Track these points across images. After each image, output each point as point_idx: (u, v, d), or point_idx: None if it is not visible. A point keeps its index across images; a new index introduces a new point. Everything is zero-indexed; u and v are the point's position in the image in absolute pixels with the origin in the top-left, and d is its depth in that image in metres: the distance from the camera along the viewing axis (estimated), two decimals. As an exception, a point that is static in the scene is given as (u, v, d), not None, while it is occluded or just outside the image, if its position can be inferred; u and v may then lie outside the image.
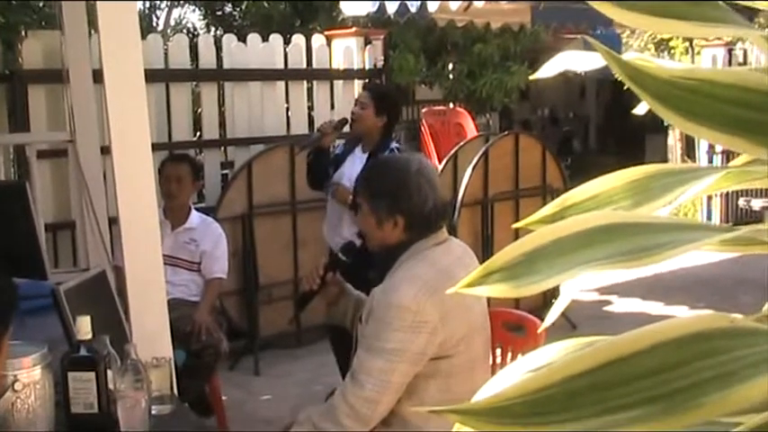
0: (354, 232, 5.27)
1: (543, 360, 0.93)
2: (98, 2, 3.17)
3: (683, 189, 0.95)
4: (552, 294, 7.05)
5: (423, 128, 12.94)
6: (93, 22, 4.50)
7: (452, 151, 7.75)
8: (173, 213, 5.60)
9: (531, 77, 1.75)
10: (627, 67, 0.89)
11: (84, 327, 2.75)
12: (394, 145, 5.58)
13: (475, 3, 6.77)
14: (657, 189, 0.98)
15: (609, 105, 19.94)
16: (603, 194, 1.02)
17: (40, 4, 10.04)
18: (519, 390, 0.79)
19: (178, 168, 5.62)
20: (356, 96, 5.76)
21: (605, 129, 20.17)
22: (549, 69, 1.25)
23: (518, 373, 0.89)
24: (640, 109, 1.09)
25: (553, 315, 1.08)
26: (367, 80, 7.90)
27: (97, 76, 3.95)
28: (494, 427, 0.78)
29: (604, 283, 7.96)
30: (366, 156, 5.44)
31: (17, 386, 2.62)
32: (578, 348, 0.89)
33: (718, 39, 11.63)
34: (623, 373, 0.78)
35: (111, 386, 2.85)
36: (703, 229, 0.92)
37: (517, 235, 7.28)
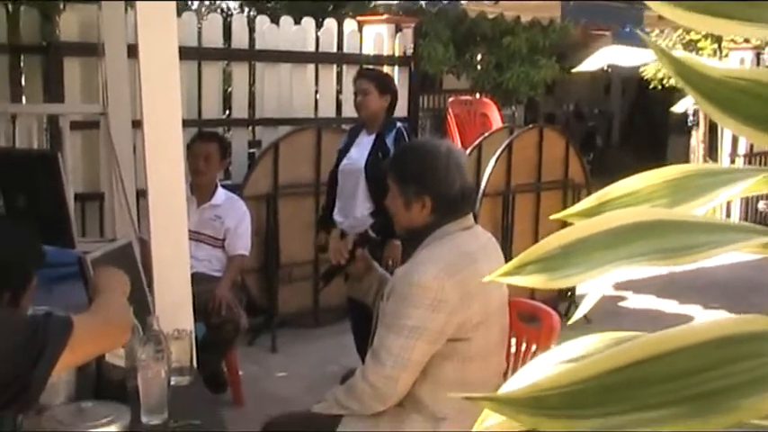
0: (366, 213, 5.30)
1: (576, 352, 0.92)
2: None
3: (722, 190, 0.93)
4: (568, 288, 7.05)
5: (449, 117, 12.93)
6: (130, -2, 4.50)
7: (477, 141, 7.73)
8: (199, 190, 5.61)
9: (573, 70, 1.73)
10: (678, 65, 0.88)
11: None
12: (399, 124, 5.60)
13: (506, -5, 6.75)
14: (695, 189, 0.96)
15: (633, 103, 19.84)
16: (642, 191, 1.01)
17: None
18: (554, 382, 0.78)
19: (207, 146, 5.63)
20: (354, 87, 5.73)
21: (629, 127, 20.08)
22: (594, 63, 1.24)
23: (551, 364, 0.88)
24: (679, 107, 1.08)
25: (583, 309, 1.07)
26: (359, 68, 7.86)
27: (132, 51, 3.95)
28: (528, 417, 0.77)
29: (620, 280, 7.93)
30: (373, 137, 5.46)
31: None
32: (611, 343, 0.88)
33: (747, 41, 11.53)
34: (658, 372, 0.78)
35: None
36: (743, 230, 0.91)
37: (536, 227, 7.31)
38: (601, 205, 1.01)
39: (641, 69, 12.31)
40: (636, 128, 19.45)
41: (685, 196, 0.96)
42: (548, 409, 0.77)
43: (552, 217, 1.00)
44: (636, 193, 1.01)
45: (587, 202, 1.04)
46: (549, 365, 0.85)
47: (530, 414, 0.77)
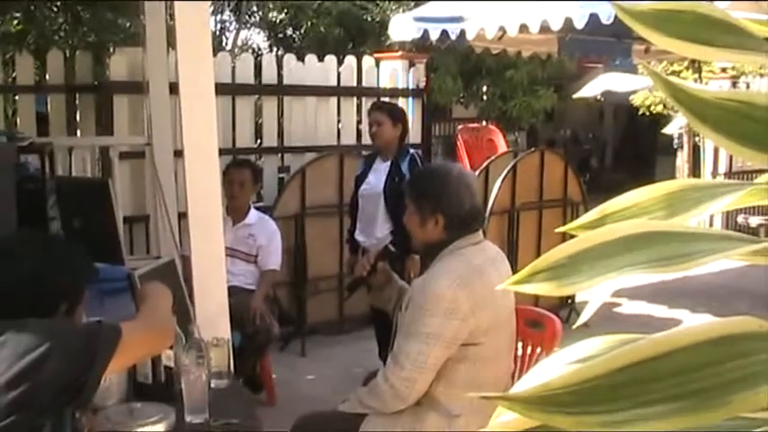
0: (385, 233, 5.31)
1: (582, 354, 0.91)
2: (176, 23, 3.19)
3: (714, 202, 0.93)
4: (569, 296, 7.01)
5: (458, 142, 12.94)
6: (171, 41, 4.52)
7: (484, 164, 7.72)
8: (234, 211, 5.62)
9: (575, 96, 1.73)
10: (674, 89, 0.87)
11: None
12: (412, 150, 5.63)
13: (508, 32, 6.72)
14: (689, 202, 0.96)
15: (624, 128, 19.78)
16: (640, 205, 1.01)
17: (127, 24, 10.11)
18: (565, 381, 0.78)
19: (241, 173, 5.64)
20: (368, 118, 5.76)
21: (620, 149, 20.01)
22: (593, 89, 1.24)
23: (559, 364, 0.87)
24: (670, 128, 1.07)
25: (587, 314, 1.06)
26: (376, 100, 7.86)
27: (173, 89, 3.96)
28: (540, 414, 0.77)
29: (617, 287, 7.87)
30: (388, 164, 5.47)
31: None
32: (616, 345, 0.87)
33: (724, 71, 11.50)
34: (659, 370, 0.77)
35: (167, 362, 2.87)
36: (734, 239, 0.90)
37: (539, 241, 7.28)
38: (602, 218, 1.00)
39: (631, 98, 12.33)
40: (627, 150, 19.39)
41: (680, 209, 0.96)
42: (558, 407, 0.76)
43: (558, 230, 1.00)
44: (634, 207, 1.01)
45: (590, 216, 1.03)
46: (558, 366, 0.84)
47: (542, 411, 0.77)
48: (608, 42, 6.98)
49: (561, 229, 0.99)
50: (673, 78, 0.90)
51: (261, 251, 5.60)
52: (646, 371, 0.76)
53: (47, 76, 7.11)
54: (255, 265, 5.62)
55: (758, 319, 0.81)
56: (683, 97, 0.88)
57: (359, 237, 5.65)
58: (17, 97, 7.11)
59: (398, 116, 5.60)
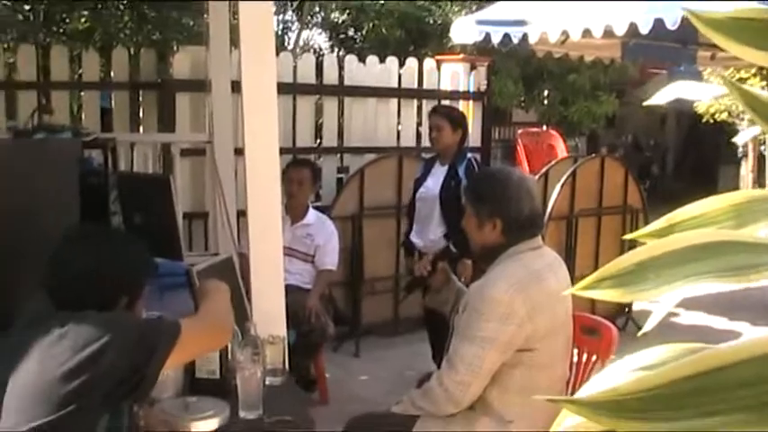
0: (439, 236, 5.33)
1: (648, 361, 0.91)
2: (240, 22, 3.22)
3: None
4: (626, 304, 6.93)
5: (518, 147, 12.87)
6: (234, 40, 4.57)
7: (544, 169, 7.68)
8: (292, 210, 5.66)
9: (645, 103, 1.71)
10: (747, 95, 0.87)
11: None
12: (470, 155, 5.62)
13: (571, 37, 6.66)
14: (759, 213, 0.95)
15: (687, 136, 19.50)
16: (708, 215, 1.00)
17: (191, 23, 10.23)
18: (632, 387, 0.78)
19: (300, 172, 5.68)
20: (429, 122, 5.79)
21: (682, 157, 19.73)
22: (664, 96, 1.22)
23: (624, 371, 0.87)
24: (741, 137, 1.05)
25: (652, 323, 1.05)
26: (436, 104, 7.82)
27: (235, 87, 4.00)
28: (607, 419, 0.77)
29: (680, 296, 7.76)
30: (446, 168, 5.48)
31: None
32: (681, 353, 0.87)
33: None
34: (725, 380, 0.77)
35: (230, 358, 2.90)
36: None
37: (597, 248, 7.21)
38: (669, 227, 0.99)
39: (694, 104, 12.16)
40: (689, 158, 19.11)
41: (747, 220, 0.95)
42: (625, 412, 0.76)
43: (625, 237, 0.99)
44: (702, 216, 1.00)
45: (657, 224, 1.03)
46: (623, 373, 0.84)
47: (608, 416, 0.77)
48: (672, 48, 6.88)
49: (629, 236, 0.99)
50: (747, 87, 0.89)
51: (318, 251, 5.63)
52: (711, 381, 0.76)
53: (112, 74, 7.24)
54: (312, 265, 5.65)
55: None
56: (759, 106, 0.87)
57: (414, 239, 5.68)
58: (83, 93, 7.25)
59: (458, 121, 5.61)
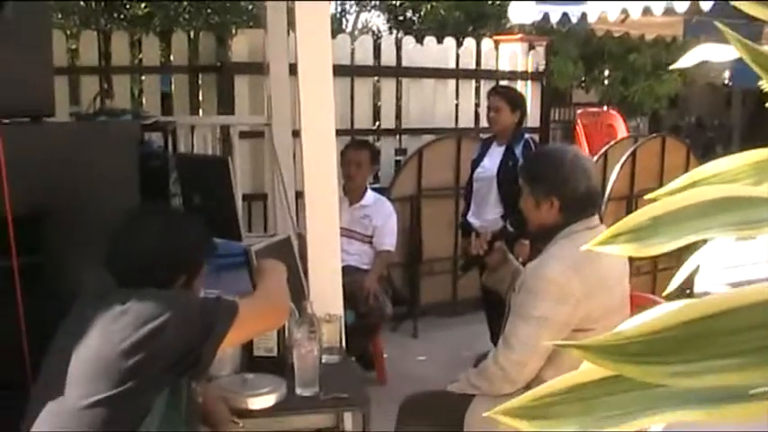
0: (497, 216, 5.33)
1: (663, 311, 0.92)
2: (297, 4, 3.25)
3: None
4: (687, 285, 6.85)
5: (577, 127, 12.76)
6: (291, 23, 4.61)
7: (603, 150, 7.61)
8: (351, 192, 5.69)
9: (671, 67, 1.70)
10: (756, 54, 0.87)
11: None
12: (527, 135, 5.61)
13: (631, 15, 6.59)
14: None
15: (752, 115, 19.15)
16: (729, 172, 1.00)
17: (249, 6, 10.32)
18: (635, 331, 0.79)
19: (358, 154, 5.70)
20: (487, 103, 5.78)
21: (748, 137, 19.37)
22: (689, 59, 1.22)
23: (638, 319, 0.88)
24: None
25: (676, 282, 1.06)
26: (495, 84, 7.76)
27: (293, 70, 4.04)
28: (610, 362, 0.78)
29: (734, 279, 7.67)
30: (503, 148, 5.50)
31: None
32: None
33: None
34: (727, 325, 0.77)
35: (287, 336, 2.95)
36: None
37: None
38: (691, 184, 1.00)
39: (761, 83, 11.89)
40: (755, 138, 18.71)
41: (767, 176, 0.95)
42: (628, 356, 0.77)
43: (647, 196, 1.00)
44: (723, 174, 1.00)
45: (679, 182, 1.03)
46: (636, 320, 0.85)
47: (612, 360, 0.78)
48: (737, 25, 6.74)
49: (650, 195, 1.00)
50: (755, 45, 0.89)
51: (376, 232, 5.66)
52: (712, 326, 0.76)
53: (171, 57, 7.33)
54: (371, 246, 5.68)
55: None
56: (762, 59, 0.87)
57: (471, 219, 5.69)
58: (143, 78, 7.36)
59: (517, 102, 5.61)
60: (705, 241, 0.96)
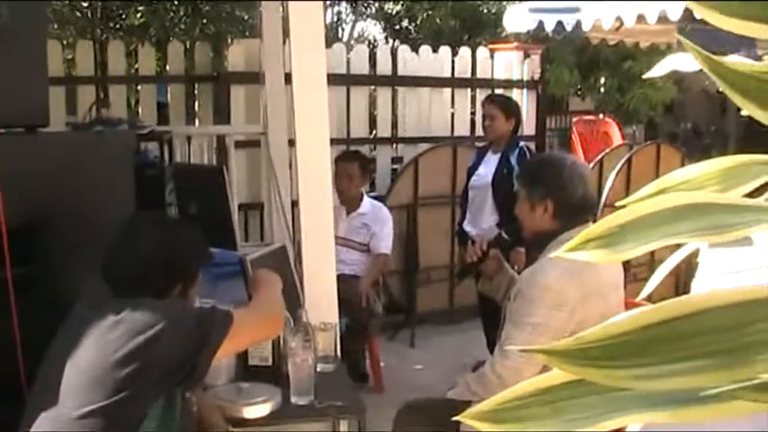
0: (492, 224, 5.34)
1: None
2: (290, 12, 3.27)
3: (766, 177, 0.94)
4: (685, 291, 6.86)
5: (573, 135, 12.78)
6: (287, 32, 4.62)
7: (599, 157, 7.64)
8: (346, 202, 5.69)
9: (644, 76, 1.72)
10: (711, 62, 0.88)
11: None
12: (522, 143, 5.63)
13: (625, 23, 6.61)
14: (745, 176, 0.97)
15: (749, 122, 19.10)
16: (696, 179, 1.02)
17: (245, 16, 10.35)
18: (596, 336, 0.81)
19: (348, 166, 5.69)
20: (482, 111, 5.80)
21: (744, 143, 19.38)
22: (661, 69, 1.24)
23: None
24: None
25: (651, 285, 1.08)
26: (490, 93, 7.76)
27: (288, 79, 4.05)
28: (574, 367, 0.80)
29: (734, 285, 7.66)
30: (498, 156, 5.52)
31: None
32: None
33: None
34: (686, 329, 0.79)
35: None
36: None
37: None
38: (660, 191, 1.02)
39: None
40: (752, 145, 18.71)
41: (734, 183, 0.97)
42: (590, 359, 0.79)
43: (619, 203, 1.02)
44: (691, 181, 1.02)
45: (647, 190, 1.05)
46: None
47: (575, 364, 0.79)
48: (730, 33, 6.78)
49: (620, 202, 1.01)
50: (713, 56, 0.91)
51: (373, 238, 5.67)
52: (672, 329, 0.78)
53: (167, 67, 7.35)
54: (369, 254, 5.69)
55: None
56: (724, 72, 0.89)
57: (467, 227, 5.70)
58: (139, 87, 7.37)
59: (511, 110, 5.63)
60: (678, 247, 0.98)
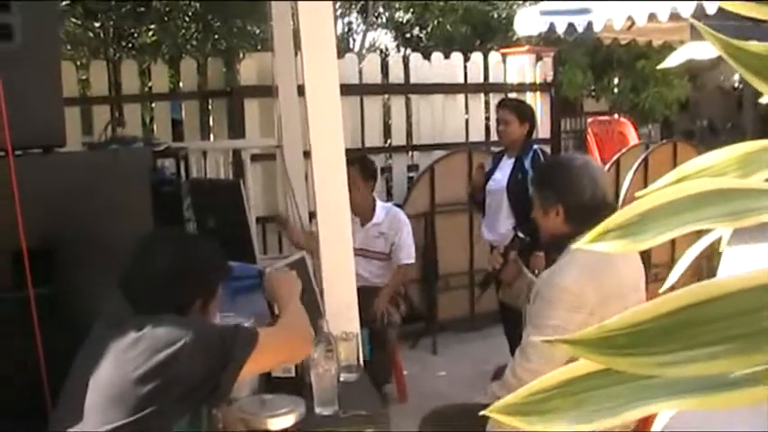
0: (508, 229, 5.32)
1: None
2: (300, 22, 3.28)
3: None
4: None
5: (588, 136, 12.75)
6: (298, 44, 4.63)
7: (615, 157, 7.62)
8: (355, 209, 5.59)
9: (659, 66, 1.71)
10: (724, 43, 0.88)
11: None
12: (536, 147, 5.62)
13: (637, 22, 6.60)
14: (765, 161, 0.96)
15: (765, 117, 19.05)
16: (716, 166, 1.02)
17: (256, 30, 10.39)
18: (620, 323, 0.80)
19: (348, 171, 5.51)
20: (496, 116, 5.78)
21: (761, 138, 19.23)
22: (675, 59, 1.24)
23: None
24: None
25: (675, 275, 1.07)
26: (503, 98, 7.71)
27: (301, 91, 4.07)
28: (598, 356, 0.79)
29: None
30: (513, 160, 5.52)
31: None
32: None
33: None
34: (710, 313, 0.79)
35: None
36: None
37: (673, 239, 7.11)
38: (679, 180, 1.01)
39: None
40: (768, 139, 18.59)
41: (754, 168, 0.96)
42: (615, 348, 0.79)
43: (638, 193, 1.01)
44: (711, 168, 1.02)
45: (668, 178, 1.05)
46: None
47: (599, 353, 0.79)
48: (744, 27, 6.76)
49: (639, 192, 1.01)
50: (731, 40, 0.90)
51: (394, 247, 5.59)
52: (694, 314, 0.78)
53: (181, 84, 7.39)
54: (390, 262, 5.63)
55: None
56: (735, 51, 0.88)
57: (484, 232, 5.69)
58: (153, 105, 7.41)
59: (526, 114, 5.62)
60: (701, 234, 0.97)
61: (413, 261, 5.71)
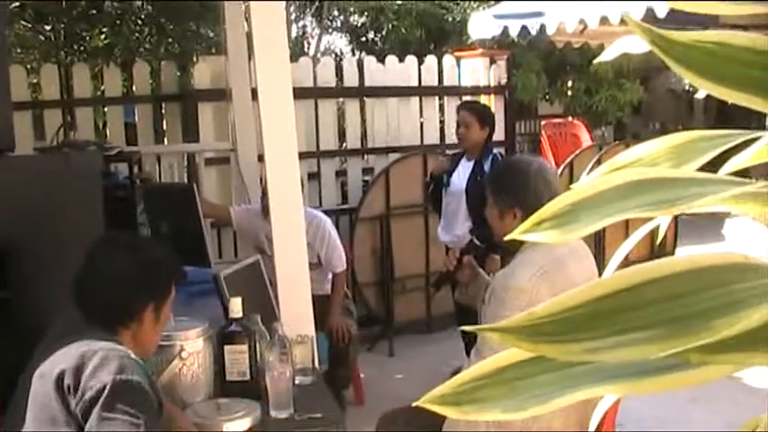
0: (465, 231, 5.34)
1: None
2: (252, 24, 3.28)
3: (716, 151, 0.96)
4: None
5: (543, 138, 12.86)
6: (252, 48, 4.63)
7: (568, 159, 7.69)
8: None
9: (595, 61, 1.73)
10: (652, 34, 0.89)
11: (235, 306, 2.87)
12: (495, 150, 5.64)
13: (589, 25, 6.68)
14: (696, 151, 0.98)
15: (715, 119, 19.32)
16: (648, 157, 1.04)
17: (210, 34, 10.34)
18: (548, 310, 0.81)
19: None
20: (457, 117, 5.75)
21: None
22: (611, 53, 1.26)
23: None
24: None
25: (610, 269, 1.09)
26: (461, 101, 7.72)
27: (255, 95, 4.07)
28: (528, 344, 0.80)
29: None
30: (472, 163, 5.51)
31: (183, 354, 2.74)
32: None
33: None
34: (640, 298, 0.80)
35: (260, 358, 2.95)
36: (728, 183, 0.92)
37: (627, 232, 7.19)
38: (612, 171, 1.03)
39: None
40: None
41: (685, 159, 0.98)
42: (543, 336, 0.80)
43: (573, 185, 1.03)
44: (642, 159, 1.04)
45: (602, 170, 1.07)
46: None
47: (529, 341, 0.80)
48: (694, 30, 6.86)
49: (573, 185, 1.02)
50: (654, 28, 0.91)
51: (322, 256, 5.25)
52: (624, 299, 0.79)
53: (134, 88, 7.33)
54: (322, 268, 5.27)
55: (743, 254, 0.84)
56: (663, 42, 0.90)
57: (440, 234, 5.71)
58: (106, 109, 7.35)
59: (486, 117, 5.63)
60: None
61: (344, 266, 5.39)
